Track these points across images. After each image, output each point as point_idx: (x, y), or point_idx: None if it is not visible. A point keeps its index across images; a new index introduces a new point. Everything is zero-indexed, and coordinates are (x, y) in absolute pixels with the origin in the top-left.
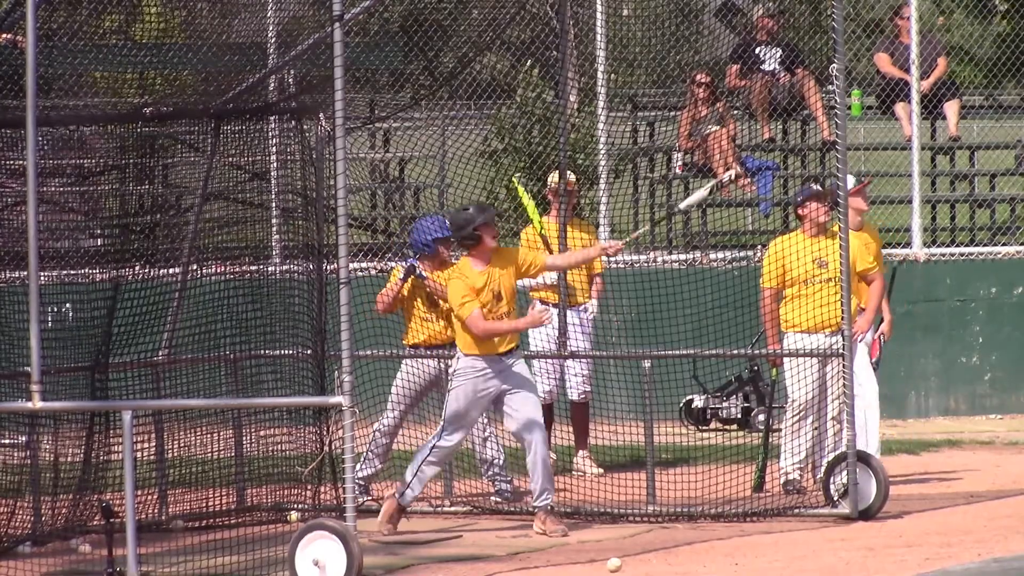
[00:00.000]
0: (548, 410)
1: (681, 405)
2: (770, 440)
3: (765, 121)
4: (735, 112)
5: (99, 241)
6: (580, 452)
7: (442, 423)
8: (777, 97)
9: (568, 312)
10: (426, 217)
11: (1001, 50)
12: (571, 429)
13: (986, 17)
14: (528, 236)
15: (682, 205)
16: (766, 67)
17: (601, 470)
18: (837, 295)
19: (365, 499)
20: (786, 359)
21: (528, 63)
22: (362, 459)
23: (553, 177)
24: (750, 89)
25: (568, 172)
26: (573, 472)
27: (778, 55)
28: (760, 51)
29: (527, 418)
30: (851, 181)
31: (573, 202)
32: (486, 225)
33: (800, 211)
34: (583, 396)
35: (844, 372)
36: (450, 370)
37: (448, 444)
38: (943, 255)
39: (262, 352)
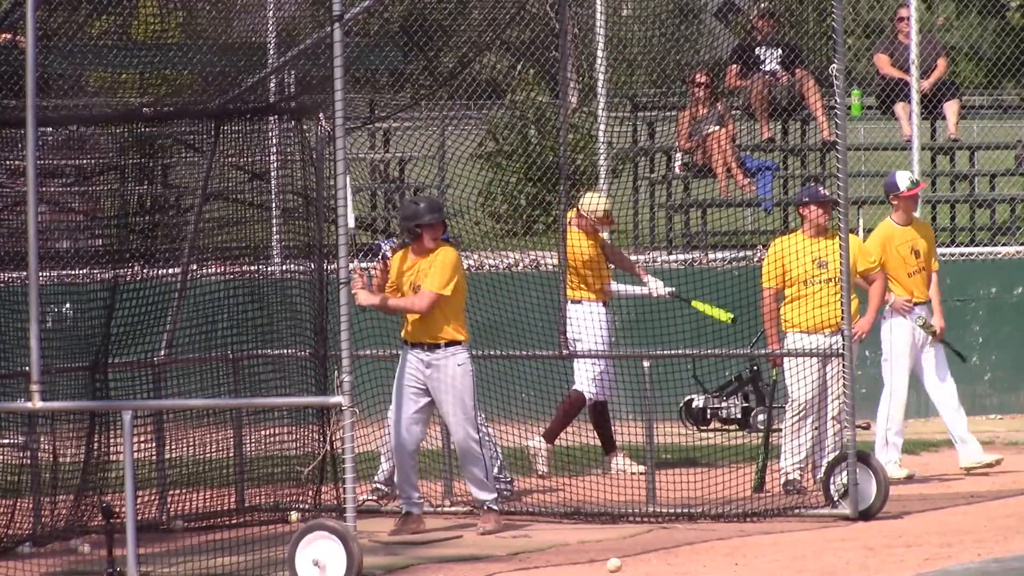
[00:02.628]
0: (604, 407)
1: (681, 405)
2: (770, 440)
3: (765, 121)
4: (735, 112)
5: (99, 241)
6: (609, 454)
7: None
8: (777, 97)
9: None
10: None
11: (1002, 50)
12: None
13: (998, 13)
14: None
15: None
16: (766, 67)
17: (642, 468)
18: (837, 295)
19: (385, 489)
20: (786, 359)
21: (520, 65)
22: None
23: (594, 204)
24: (750, 89)
25: (605, 204)
26: (611, 473)
27: (778, 55)
28: (760, 51)
29: (447, 424)
30: (905, 180)
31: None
32: (431, 226)
33: (801, 210)
34: (590, 398)
35: (844, 372)
36: (450, 364)
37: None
38: (943, 255)
39: (262, 352)
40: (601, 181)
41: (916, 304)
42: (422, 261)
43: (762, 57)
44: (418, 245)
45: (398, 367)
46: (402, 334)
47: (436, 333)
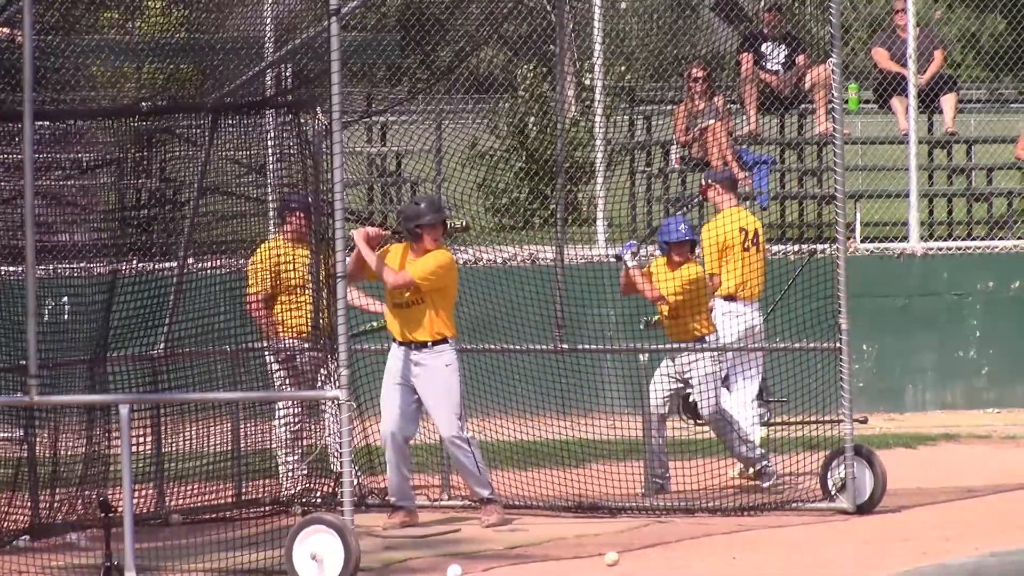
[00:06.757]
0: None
1: (679, 399)
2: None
3: (754, 114)
4: (732, 106)
5: (96, 235)
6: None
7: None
8: (784, 92)
9: None
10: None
11: (999, 44)
12: None
13: (985, 9)
14: None
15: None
16: (770, 66)
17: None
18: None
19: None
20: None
21: (525, 64)
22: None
23: None
24: (746, 83)
25: None
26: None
27: (784, 49)
28: (765, 46)
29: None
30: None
31: None
32: (432, 227)
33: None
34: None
35: (841, 366)
36: (437, 364)
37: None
38: (940, 249)
39: (260, 346)
40: (599, 175)
41: None
42: (419, 258)
43: (767, 52)
44: (419, 245)
45: (386, 365)
46: (394, 334)
47: (424, 333)
